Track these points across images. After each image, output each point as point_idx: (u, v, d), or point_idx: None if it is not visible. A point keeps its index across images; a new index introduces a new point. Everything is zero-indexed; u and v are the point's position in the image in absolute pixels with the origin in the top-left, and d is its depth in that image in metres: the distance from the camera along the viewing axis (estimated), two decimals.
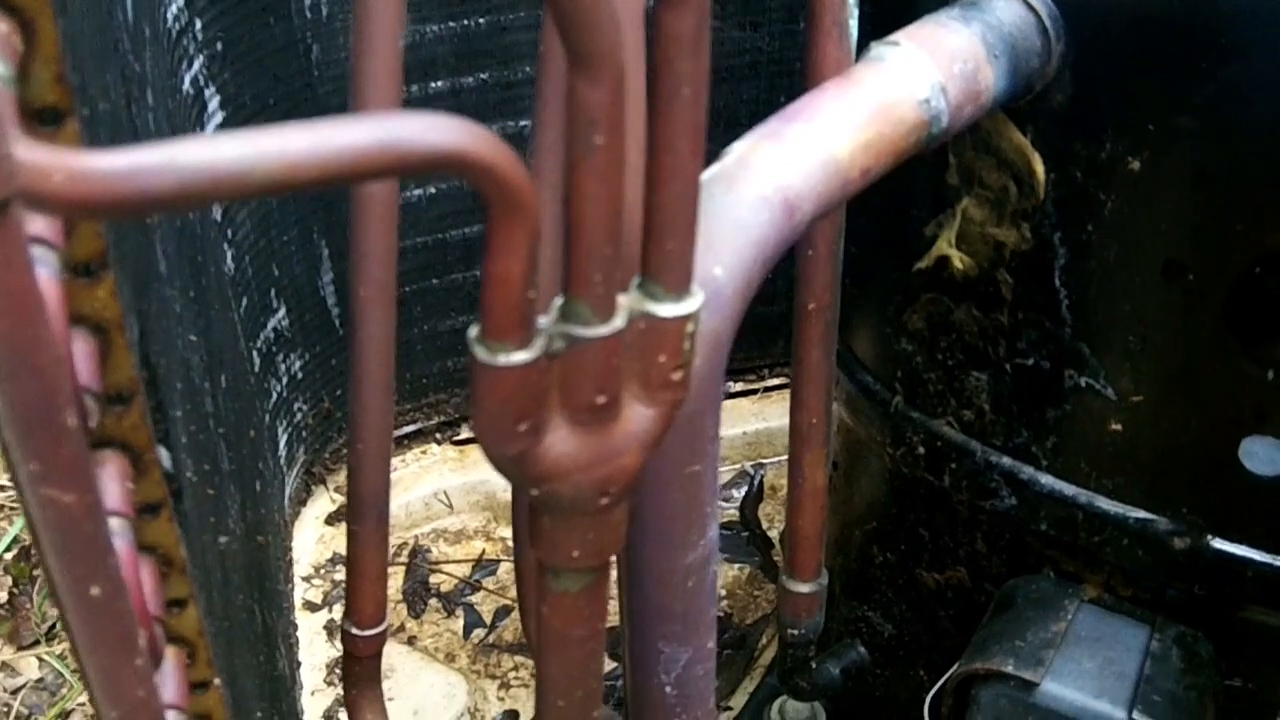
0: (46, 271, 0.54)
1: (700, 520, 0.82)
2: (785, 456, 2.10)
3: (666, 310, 0.58)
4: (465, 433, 2.20)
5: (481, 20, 1.80)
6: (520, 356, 0.54)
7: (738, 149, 0.79)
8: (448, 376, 2.15)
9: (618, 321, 0.57)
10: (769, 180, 0.76)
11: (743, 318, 0.75)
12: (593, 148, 0.50)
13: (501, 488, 2.07)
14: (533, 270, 0.52)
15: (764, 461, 2.20)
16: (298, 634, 1.82)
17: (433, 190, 1.93)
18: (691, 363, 0.61)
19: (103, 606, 0.52)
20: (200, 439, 1.02)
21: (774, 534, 2.03)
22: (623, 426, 0.61)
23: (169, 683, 0.74)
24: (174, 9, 1.36)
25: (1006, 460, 1.14)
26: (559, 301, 0.56)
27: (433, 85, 1.82)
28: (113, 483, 0.66)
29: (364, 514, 1.17)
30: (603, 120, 0.49)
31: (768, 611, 1.91)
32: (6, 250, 0.40)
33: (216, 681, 0.80)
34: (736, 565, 2.00)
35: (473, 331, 0.55)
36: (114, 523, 0.64)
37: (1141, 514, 1.07)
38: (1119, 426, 1.05)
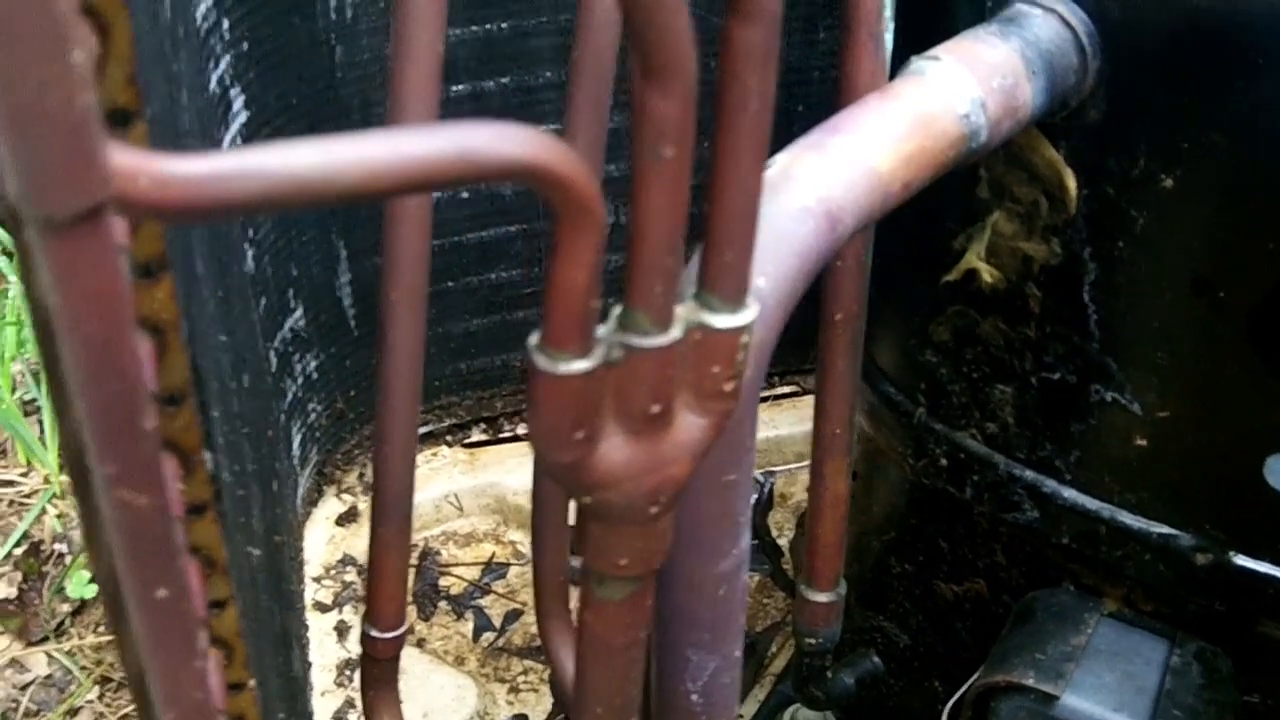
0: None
1: (734, 529, 0.82)
2: (795, 465, 2.10)
3: (723, 321, 0.59)
4: (476, 435, 2.21)
5: (503, 25, 1.80)
6: (580, 365, 0.55)
7: (781, 160, 0.79)
8: (460, 379, 2.15)
9: (675, 332, 0.57)
10: (812, 191, 0.77)
11: (784, 327, 0.76)
12: (661, 159, 0.51)
13: (512, 491, 2.08)
14: (597, 280, 0.52)
15: (774, 469, 2.20)
16: (308, 635, 1.82)
17: (449, 194, 1.94)
18: (744, 373, 0.62)
19: (169, 608, 0.52)
20: (231, 440, 1.03)
21: (783, 542, 2.04)
22: (674, 436, 0.62)
23: (209, 681, 0.75)
24: (203, 8, 1.37)
25: (1029, 473, 1.14)
26: (617, 311, 0.57)
27: (454, 89, 1.83)
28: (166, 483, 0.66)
29: (387, 517, 1.18)
30: (672, 132, 0.50)
31: (778, 619, 1.92)
32: (98, 253, 0.41)
33: (251, 683, 0.81)
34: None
35: (533, 339, 0.55)
36: None
37: (1164, 529, 1.08)
38: (1144, 441, 1.06)
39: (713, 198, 0.56)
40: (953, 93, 0.85)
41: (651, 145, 0.50)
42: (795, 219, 0.75)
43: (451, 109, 1.83)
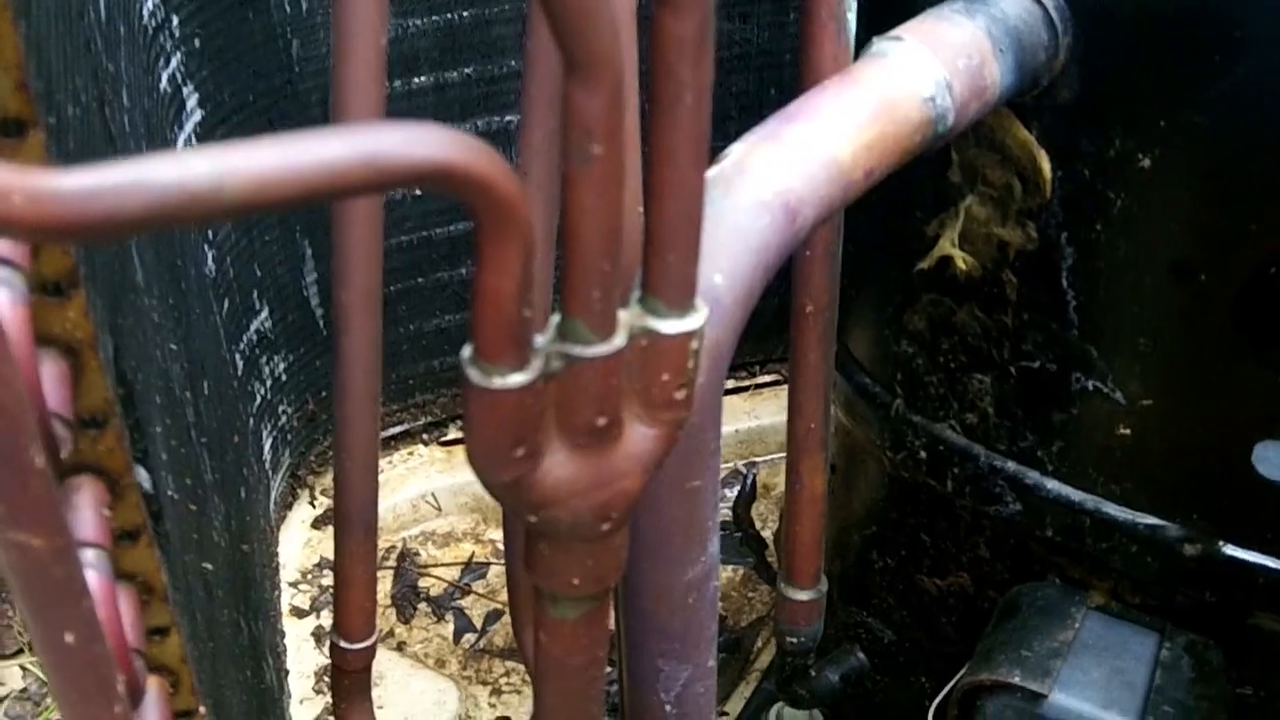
0: (10, 294, 0.51)
1: (701, 536, 0.79)
2: (778, 455, 2.06)
3: (669, 327, 0.55)
4: (453, 433, 2.17)
5: (465, 14, 1.76)
6: (516, 379, 0.51)
7: (736, 151, 0.76)
8: (434, 376, 2.11)
9: (618, 340, 0.54)
10: (768, 184, 0.73)
11: (744, 326, 0.72)
12: (590, 158, 0.47)
13: None
14: (527, 288, 0.48)
15: (756, 460, 2.17)
16: (285, 641, 1.78)
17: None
18: (695, 380, 0.58)
19: (78, 652, 0.48)
20: (182, 452, 0.99)
21: (767, 534, 2.01)
22: (624, 448, 0.58)
23: (152, 714, 0.71)
24: (150, 5, 1.32)
25: (1011, 465, 1.11)
26: (556, 319, 0.53)
27: (416, 80, 1.79)
28: (88, 510, 0.62)
29: (351, 527, 1.14)
30: (600, 129, 0.46)
31: (763, 613, 1.88)
32: None
33: (201, 710, 0.77)
34: (730, 566, 1.97)
35: (466, 352, 0.51)
36: (90, 554, 0.61)
37: (1151, 520, 1.04)
38: (1127, 431, 1.03)
39: (652, 199, 0.52)
40: (916, 75, 0.82)
41: (579, 144, 0.47)
42: (751, 213, 0.72)
43: (414, 101, 1.79)
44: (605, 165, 0.47)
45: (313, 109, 1.71)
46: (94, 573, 0.60)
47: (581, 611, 0.65)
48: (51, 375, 0.57)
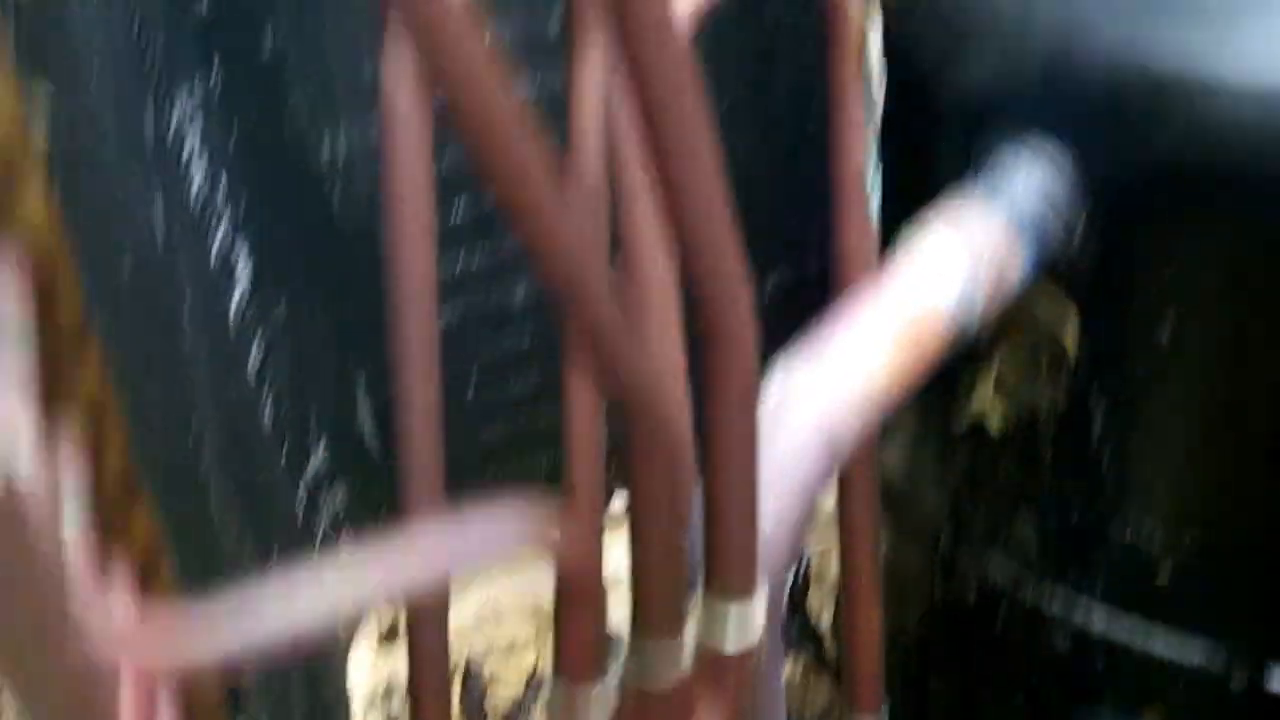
0: None
1: None
2: (824, 545, 2.07)
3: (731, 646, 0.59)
4: None
5: None
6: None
7: (777, 383, 0.80)
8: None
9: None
10: (811, 420, 0.77)
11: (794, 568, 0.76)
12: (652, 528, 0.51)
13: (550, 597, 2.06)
14: (601, 637, 0.53)
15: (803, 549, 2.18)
16: None
17: (460, 320, 1.92)
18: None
19: None
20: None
21: (823, 621, 2.02)
22: None
23: None
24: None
25: (1057, 602, 1.14)
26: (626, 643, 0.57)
27: None
28: None
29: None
30: (665, 512, 0.50)
31: (826, 707, 1.90)
32: None
33: None
34: (789, 656, 1.99)
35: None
36: None
37: (1197, 653, 1.07)
38: (1168, 569, 1.06)
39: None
40: (944, 287, 0.86)
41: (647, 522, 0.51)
42: (796, 456, 0.76)
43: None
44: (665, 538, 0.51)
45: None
46: None
47: None
48: None
